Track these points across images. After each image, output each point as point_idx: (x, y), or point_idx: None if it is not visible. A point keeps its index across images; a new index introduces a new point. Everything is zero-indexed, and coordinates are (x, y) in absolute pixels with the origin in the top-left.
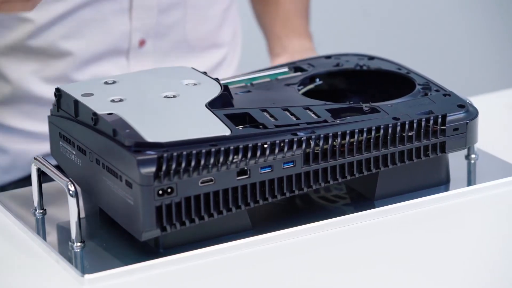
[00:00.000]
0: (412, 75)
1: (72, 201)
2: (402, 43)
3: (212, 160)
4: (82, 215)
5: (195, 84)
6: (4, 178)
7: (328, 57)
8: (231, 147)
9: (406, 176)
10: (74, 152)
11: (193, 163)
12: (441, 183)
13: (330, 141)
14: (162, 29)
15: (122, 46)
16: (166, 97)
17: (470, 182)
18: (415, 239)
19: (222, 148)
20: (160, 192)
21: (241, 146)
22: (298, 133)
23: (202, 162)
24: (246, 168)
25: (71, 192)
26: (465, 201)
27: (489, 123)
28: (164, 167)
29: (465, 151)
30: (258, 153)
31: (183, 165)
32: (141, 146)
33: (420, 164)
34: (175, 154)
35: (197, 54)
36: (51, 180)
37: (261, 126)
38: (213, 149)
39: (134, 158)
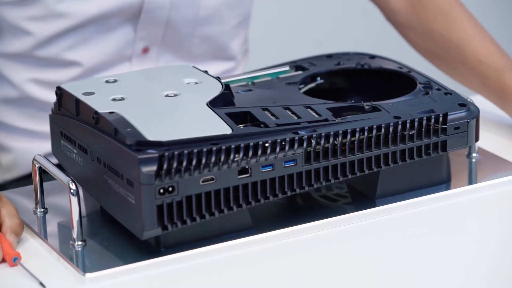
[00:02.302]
0: (413, 74)
1: (73, 200)
2: (403, 42)
3: (213, 159)
4: (83, 213)
5: (196, 83)
6: (6, 176)
7: (329, 56)
8: (232, 146)
9: (407, 175)
10: (75, 151)
11: (194, 162)
12: (442, 182)
13: (331, 140)
14: (168, 40)
15: (126, 53)
16: (167, 96)
17: (471, 181)
18: (416, 238)
19: (223, 147)
20: (161, 190)
21: (242, 145)
22: (299, 132)
23: (203, 161)
24: (247, 166)
25: (72, 190)
26: (466, 200)
27: (490, 122)
28: (165, 166)
29: (466, 150)
30: (259, 152)
31: (184, 164)
32: (142, 145)
33: (421, 163)
34: (176, 153)
35: (202, 65)
36: (52, 178)
37: (262, 125)
38: (214, 148)
39: (135, 157)
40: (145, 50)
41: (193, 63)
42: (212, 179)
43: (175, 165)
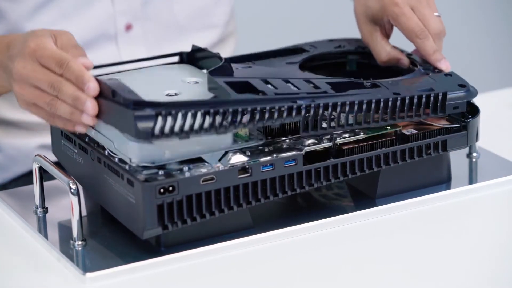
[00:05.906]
0: (413, 57)
1: (73, 199)
2: (403, 43)
3: (210, 121)
4: (84, 213)
5: (196, 82)
6: (5, 175)
7: (331, 40)
8: (230, 110)
9: (407, 174)
10: (76, 150)
11: (191, 122)
12: (442, 181)
13: (329, 111)
14: (149, 11)
15: (109, 31)
16: (168, 95)
17: (471, 181)
18: (417, 237)
19: (221, 110)
20: (162, 190)
21: (240, 109)
22: (297, 101)
23: (199, 122)
24: (247, 166)
25: (72, 190)
26: (466, 200)
27: (490, 121)
28: (161, 125)
29: (466, 150)
30: (257, 118)
31: (181, 123)
32: (139, 104)
33: (421, 163)
34: (173, 112)
35: (190, 36)
36: (53, 178)
37: (261, 94)
38: (211, 110)
39: (131, 113)
40: (129, 27)
41: (180, 37)
42: (213, 178)
43: (171, 124)
